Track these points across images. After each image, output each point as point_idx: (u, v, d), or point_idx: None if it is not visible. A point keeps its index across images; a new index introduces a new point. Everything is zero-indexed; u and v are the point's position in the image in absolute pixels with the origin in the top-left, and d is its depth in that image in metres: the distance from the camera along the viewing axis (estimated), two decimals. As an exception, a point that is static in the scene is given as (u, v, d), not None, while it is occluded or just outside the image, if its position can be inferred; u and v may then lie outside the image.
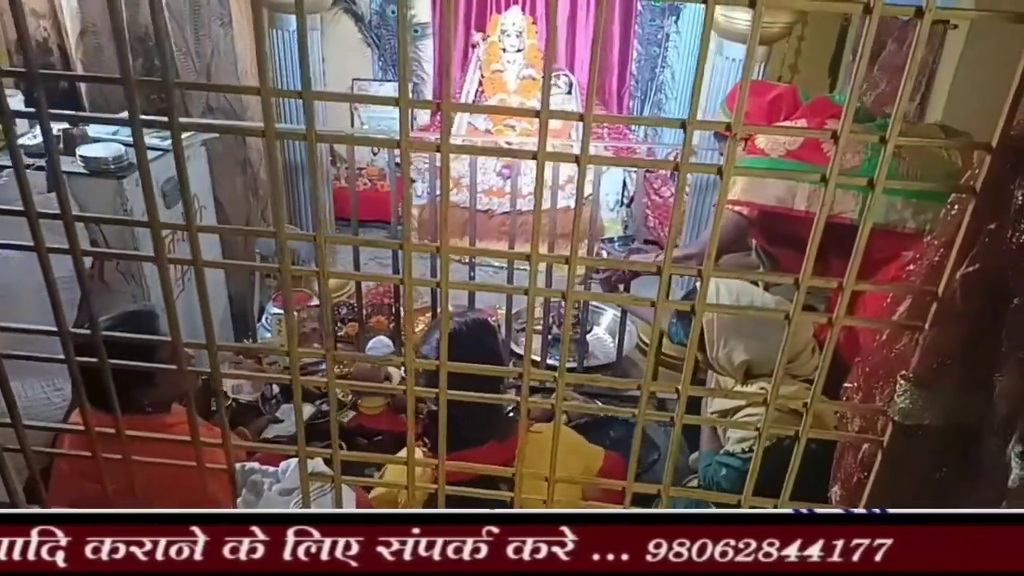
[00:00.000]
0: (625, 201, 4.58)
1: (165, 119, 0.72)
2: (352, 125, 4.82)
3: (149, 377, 1.44)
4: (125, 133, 2.28)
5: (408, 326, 0.80)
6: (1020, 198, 0.61)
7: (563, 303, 2.97)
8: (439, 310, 3.02)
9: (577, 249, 0.75)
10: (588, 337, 2.90)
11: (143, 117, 0.71)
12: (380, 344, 2.69)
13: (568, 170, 4.38)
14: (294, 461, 0.97)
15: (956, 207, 0.66)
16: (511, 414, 1.55)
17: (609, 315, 3.13)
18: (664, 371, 2.74)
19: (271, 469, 0.99)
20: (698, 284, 0.75)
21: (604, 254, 2.36)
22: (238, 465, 0.96)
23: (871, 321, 0.82)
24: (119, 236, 2.09)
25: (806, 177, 0.69)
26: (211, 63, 2.89)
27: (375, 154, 5.14)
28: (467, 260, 3.02)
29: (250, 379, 2.40)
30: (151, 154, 2.08)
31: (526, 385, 0.83)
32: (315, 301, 2.89)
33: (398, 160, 5.15)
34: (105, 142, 2.17)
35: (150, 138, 2.15)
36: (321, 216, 0.74)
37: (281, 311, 2.77)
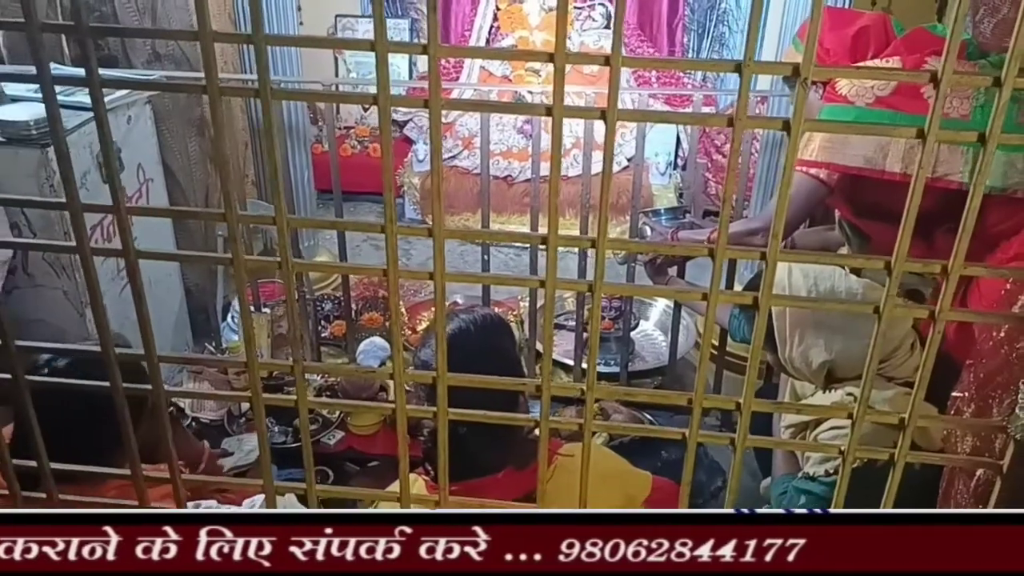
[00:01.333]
0: (680, 163, 4.54)
1: (81, 76, 0.72)
2: (336, 74, 4.83)
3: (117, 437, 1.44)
4: (56, 90, 2.29)
5: (395, 328, 0.80)
6: None
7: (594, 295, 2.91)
8: (448, 303, 3.02)
9: (606, 228, 0.73)
10: (634, 334, 2.89)
11: (58, 71, 0.71)
12: (373, 347, 2.70)
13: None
14: (260, 498, 0.98)
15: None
16: (532, 436, 1.55)
17: (660, 306, 3.11)
18: (729, 376, 2.72)
19: (233, 509, 1.00)
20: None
21: (648, 231, 2.33)
22: (191, 504, 0.97)
23: (985, 315, 0.79)
24: (46, 218, 2.11)
25: (900, 132, 0.66)
26: (157, 0, 2.91)
27: (366, 110, 5.15)
28: (479, 241, 3.01)
29: (203, 398, 2.43)
30: (82, 115, 2.10)
31: (546, 401, 0.82)
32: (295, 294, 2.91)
33: (395, 116, 5.17)
34: (27, 102, 2.19)
35: (82, 95, 2.16)
36: (282, 192, 0.74)
37: (251, 307, 2.79)
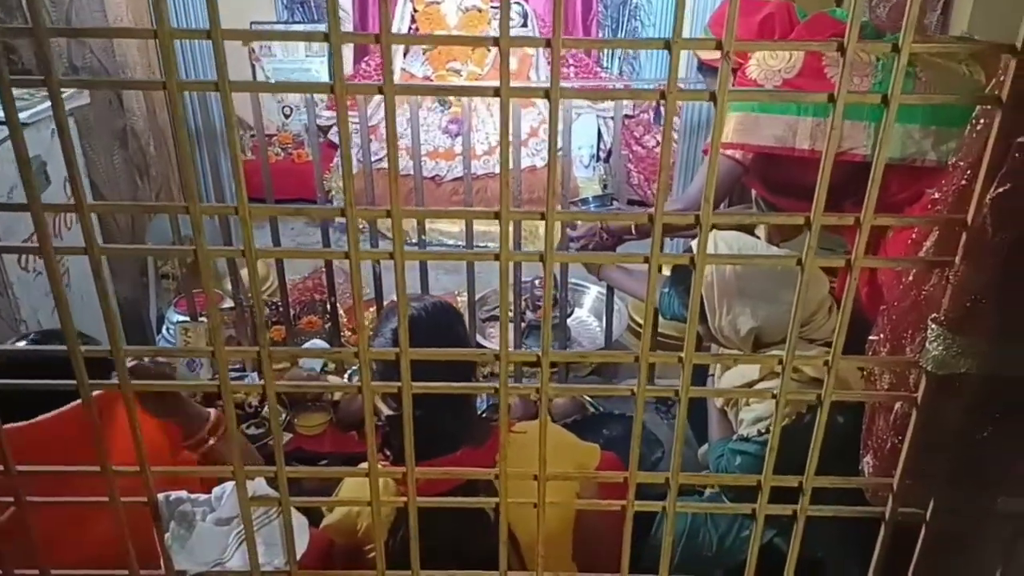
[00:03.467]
0: (602, 155, 4.65)
1: (39, 78, 0.73)
2: (254, 79, 4.79)
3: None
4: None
5: (358, 309, 0.83)
6: (1050, 105, 0.66)
7: (536, 283, 3.01)
8: (386, 303, 3.04)
9: (554, 205, 0.79)
10: (569, 321, 2.96)
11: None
12: (315, 348, 2.70)
13: (531, 121, 4.44)
14: (230, 485, 1.00)
15: (981, 123, 0.71)
16: (485, 415, 1.59)
17: (592, 293, 3.19)
18: (660, 353, 2.81)
19: (203, 497, 1.01)
20: (693, 244, 0.80)
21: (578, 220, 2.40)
22: (161, 496, 0.98)
23: (895, 261, 0.88)
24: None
25: (810, 99, 0.73)
26: (70, 10, 2.85)
27: (287, 116, 5.12)
28: (415, 240, 3.04)
29: (169, 388, 2.38)
30: (2, 131, 2.05)
31: (504, 369, 0.87)
32: (228, 303, 2.89)
33: (319, 122, 5.14)
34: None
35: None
36: (242, 183, 0.77)
37: (186, 318, 2.76)
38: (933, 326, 0.78)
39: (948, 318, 0.77)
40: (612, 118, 4.24)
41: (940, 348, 0.78)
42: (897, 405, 0.88)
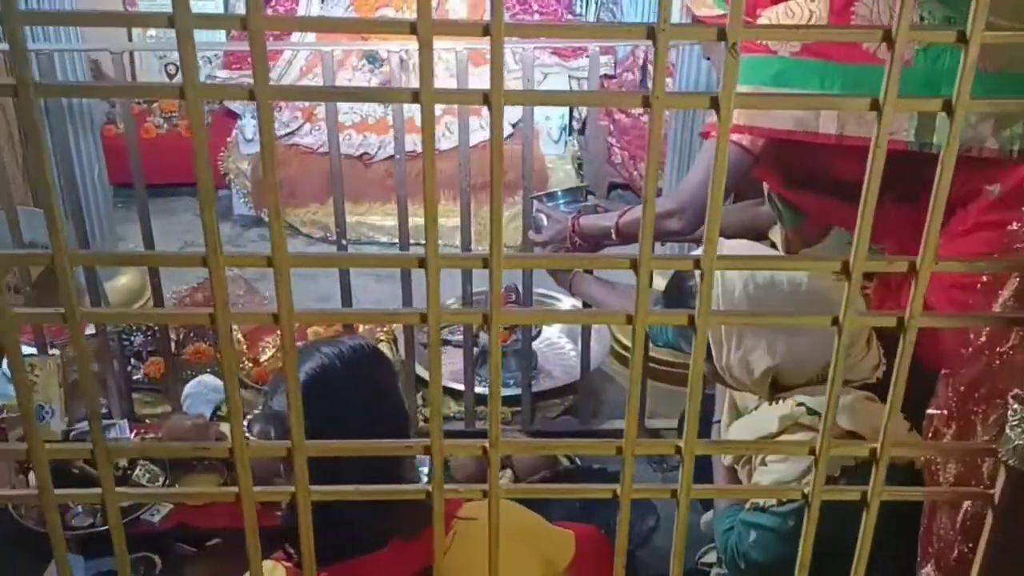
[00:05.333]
0: (576, 126, 4.60)
1: None
2: (130, 39, 4.64)
3: None
4: None
5: (228, 363, 0.76)
6: None
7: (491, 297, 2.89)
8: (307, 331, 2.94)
9: (499, 243, 0.72)
10: (536, 344, 2.90)
11: None
12: (203, 388, 2.62)
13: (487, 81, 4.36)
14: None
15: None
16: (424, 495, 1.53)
17: (566, 307, 3.13)
18: (655, 386, 2.76)
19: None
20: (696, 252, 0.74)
21: (543, 219, 2.31)
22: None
23: (966, 317, 0.82)
24: None
25: (852, 103, 0.67)
26: None
27: (172, 76, 4.99)
28: (333, 237, 2.97)
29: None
30: None
31: (438, 466, 0.80)
32: (93, 328, 2.79)
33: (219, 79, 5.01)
34: None
35: None
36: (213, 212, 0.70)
37: (32, 350, 2.66)
38: (1016, 406, 0.72)
39: (1035, 394, 0.72)
40: (587, 79, 4.19)
41: (1023, 435, 0.72)
42: (967, 503, 0.83)
